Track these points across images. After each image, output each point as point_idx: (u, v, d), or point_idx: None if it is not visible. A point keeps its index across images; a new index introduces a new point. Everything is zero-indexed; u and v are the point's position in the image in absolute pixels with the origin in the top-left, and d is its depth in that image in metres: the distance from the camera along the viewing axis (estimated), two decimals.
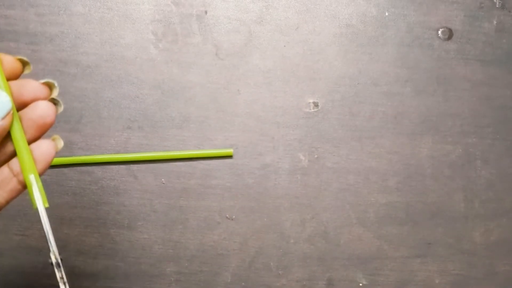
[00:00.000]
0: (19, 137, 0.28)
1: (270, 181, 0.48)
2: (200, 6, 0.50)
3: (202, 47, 0.49)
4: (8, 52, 0.47)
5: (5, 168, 0.29)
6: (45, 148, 0.29)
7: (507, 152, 0.51)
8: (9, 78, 0.29)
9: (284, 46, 0.50)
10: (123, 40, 0.49)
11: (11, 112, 0.28)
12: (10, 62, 0.29)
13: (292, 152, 0.49)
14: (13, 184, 0.29)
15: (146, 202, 0.47)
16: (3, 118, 0.27)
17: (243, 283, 0.47)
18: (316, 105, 0.50)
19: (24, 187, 0.29)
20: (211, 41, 0.49)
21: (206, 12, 0.50)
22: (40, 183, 0.29)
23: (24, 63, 0.30)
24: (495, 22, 0.53)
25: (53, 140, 0.30)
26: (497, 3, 0.53)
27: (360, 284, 0.48)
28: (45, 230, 0.29)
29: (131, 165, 0.47)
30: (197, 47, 0.49)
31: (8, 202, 0.29)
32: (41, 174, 0.29)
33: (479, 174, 0.51)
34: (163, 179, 0.47)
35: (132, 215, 0.47)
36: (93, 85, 0.48)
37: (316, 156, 0.49)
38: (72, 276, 0.46)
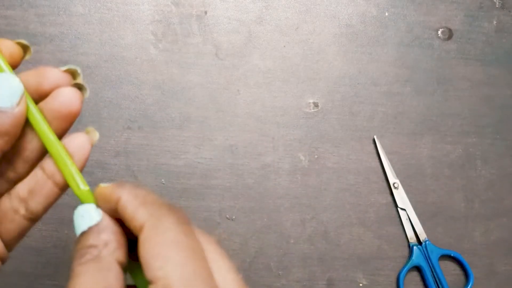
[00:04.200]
0: (41, 124, 0.25)
1: (270, 181, 0.48)
2: (200, 6, 0.50)
3: (202, 47, 0.49)
4: None
5: (37, 171, 0.26)
6: (79, 143, 0.25)
7: (507, 152, 0.51)
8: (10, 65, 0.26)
9: (284, 46, 0.50)
10: (123, 41, 0.49)
11: (24, 94, 0.24)
12: (9, 47, 0.26)
13: (292, 152, 0.49)
14: (49, 187, 0.26)
15: None
16: (18, 103, 0.24)
17: None
18: (316, 105, 0.50)
19: (61, 189, 0.26)
20: (211, 41, 0.49)
21: (206, 13, 0.50)
22: (75, 166, 0.25)
23: (25, 48, 0.26)
24: (495, 22, 0.53)
25: (87, 133, 0.26)
26: (497, 3, 0.53)
27: (360, 284, 0.48)
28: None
29: (131, 165, 0.47)
30: (197, 47, 0.49)
31: (46, 209, 0.26)
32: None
33: (479, 174, 0.51)
34: (163, 179, 0.47)
35: None
36: (93, 85, 0.48)
37: (316, 156, 0.49)
38: None
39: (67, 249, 0.46)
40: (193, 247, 0.23)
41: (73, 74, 0.26)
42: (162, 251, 0.22)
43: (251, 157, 0.48)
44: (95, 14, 0.49)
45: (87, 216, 0.24)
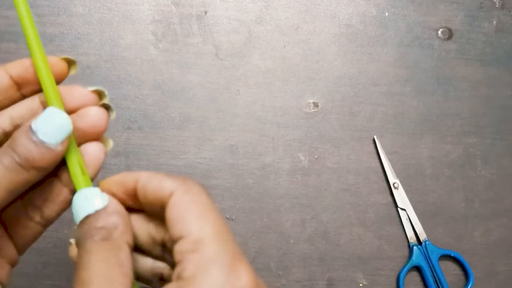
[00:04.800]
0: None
1: (270, 181, 0.48)
2: (200, 6, 0.50)
3: (202, 48, 0.49)
4: (8, 52, 0.47)
5: (55, 179, 0.26)
6: (93, 151, 0.26)
7: (507, 152, 0.51)
8: (55, 81, 0.26)
9: (284, 46, 0.50)
10: (123, 41, 0.49)
11: (70, 135, 0.24)
12: (55, 64, 0.26)
13: (292, 152, 0.49)
14: (65, 195, 0.26)
15: None
16: (62, 142, 0.24)
17: None
18: (316, 105, 0.50)
19: None
20: (211, 42, 0.49)
21: (206, 13, 0.50)
22: (87, 176, 0.25)
23: (70, 63, 0.26)
24: (495, 22, 0.53)
25: (102, 141, 0.27)
26: (497, 3, 0.53)
27: (360, 284, 0.48)
28: None
29: (131, 165, 0.47)
30: (197, 48, 0.49)
31: (59, 215, 0.27)
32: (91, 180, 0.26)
33: (479, 174, 0.51)
34: None
35: None
36: (93, 85, 0.48)
37: (316, 156, 0.49)
38: (72, 276, 0.46)
39: (67, 249, 0.46)
40: (219, 212, 0.24)
41: (100, 94, 0.26)
42: (196, 210, 0.23)
43: (251, 157, 0.48)
44: (95, 14, 0.49)
45: (93, 199, 0.24)
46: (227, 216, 0.48)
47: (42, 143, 0.23)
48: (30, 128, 0.23)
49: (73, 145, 0.25)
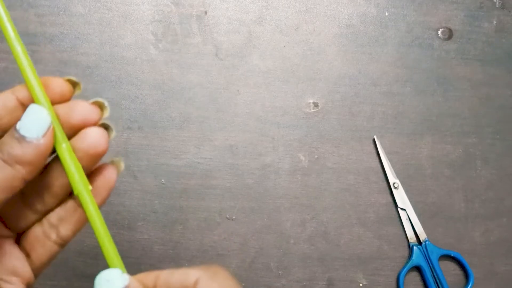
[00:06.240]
0: (67, 158, 0.26)
1: (270, 181, 0.48)
2: (200, 6, 0.50)
3: (202, 48, 0.49)
4: (7, 52, 0.47)
5: (69, 199, 0.27)
6: (106, 174, 0.27)
7: (507, 152, 0.51)
8: (59, 102, 0.26)
9: (284, 46, 0.50)
10: (123, 41, 0.49)
11: (52, 128, 0.25)
12: (60, 85, 0.26)
13: (292, 152, 0.49)
14: (79, 214, 0.27)
15: (146, 202, 0.47)
16: (44, 135, 0.24)
17: (243, 284, 0.47)
18: (316, 105, 0.50)
19: None
20: (211, 42, 0.49)
21: (206, 13, 0.50)
22: (92, 199, 0.26)
23: (74, 84, 0.27)
24: (495, 22, 0.53)
25: (113, 163, 0.28)
26: (497, 3, 0.53)
27: (360, 284, 0.48)
28: None
29: (131, 165, 0.47)
30: (197, 48, 0.49)
31: (75, 234, 0.28)
32: (101, 204, 0.27)
33: (479, 174, 0.51)
34: (163, 180, 0.47)
35: (132, 215, 0.47)
36: (93, 85, 0.48)
37: (316, 156, 0.49)
38: (72, 276, 0.46)
39: (67, 249, 0.46)
40: None
41: (100, 106, 0.27)
42: None
43: (251, 157, 0.48)
44: (95, 14, 0.49)
45: (114, 281, 0.25)
46: (227, 216, 0.48)
47: (23, 138, 0.24)
48: (14, 127, 0.24)
49: (71, 155, 0.26)
